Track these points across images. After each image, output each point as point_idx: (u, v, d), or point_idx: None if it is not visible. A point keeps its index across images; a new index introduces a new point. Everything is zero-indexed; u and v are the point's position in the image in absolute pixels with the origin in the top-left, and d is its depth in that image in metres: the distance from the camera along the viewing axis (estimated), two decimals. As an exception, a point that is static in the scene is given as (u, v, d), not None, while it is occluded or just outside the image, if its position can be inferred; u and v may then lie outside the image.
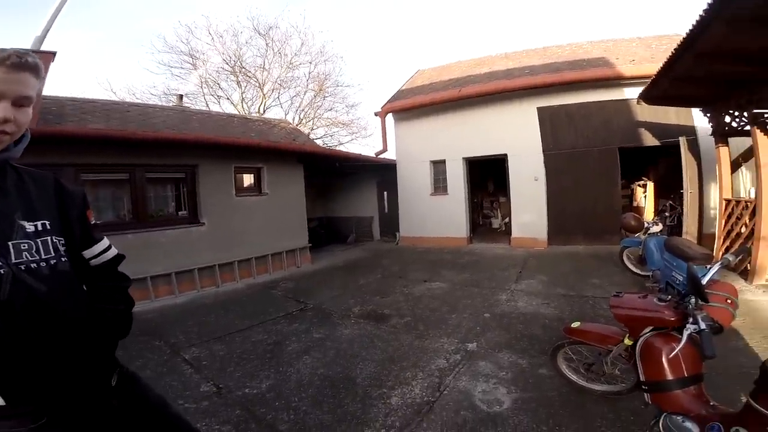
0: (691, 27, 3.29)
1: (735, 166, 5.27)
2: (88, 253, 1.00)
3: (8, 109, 0.80)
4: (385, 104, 9.87)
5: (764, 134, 4.27)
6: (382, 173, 10.26)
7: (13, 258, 0.78)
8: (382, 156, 10.10)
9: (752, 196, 4.78)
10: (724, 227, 5.04)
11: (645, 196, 9.09)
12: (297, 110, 17.64)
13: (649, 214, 8.36)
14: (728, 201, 5.01)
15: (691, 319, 1.43)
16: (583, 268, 5.75)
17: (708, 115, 5.31)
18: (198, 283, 5.78)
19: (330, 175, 10.80)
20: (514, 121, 8.11)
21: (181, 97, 11.13)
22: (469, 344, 3.22)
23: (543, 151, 7.85)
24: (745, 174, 5.50)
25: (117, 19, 23.28)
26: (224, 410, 2.40)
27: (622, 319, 1.79)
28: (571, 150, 7.66)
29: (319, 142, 15.22)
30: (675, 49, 3.79)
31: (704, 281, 1.62)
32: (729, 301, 1.68)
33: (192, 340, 3.67)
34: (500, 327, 3.59)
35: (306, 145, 8.37)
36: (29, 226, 0.84)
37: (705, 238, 6.06)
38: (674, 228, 6.68)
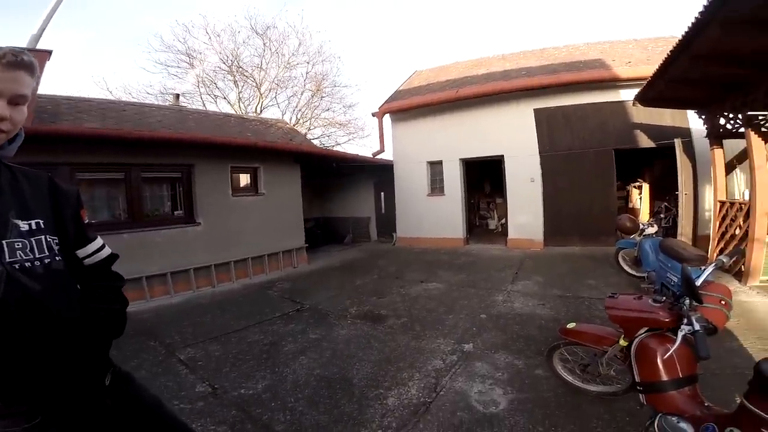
0: (686, 29, 3.32)
1: (729, 168, 5.32)
2: (81, 253, 1.00)
3: (3, 107, 0.80)
4: (383, 105, 9.87)
5: (758, 136, 4.32)
6: (379, 174, 10.25)
7: (7, 257, 0.78)
8: (379, 156, 10.11)
9: (746, 198, 4.83)
10: (718, 229, 5.08)
11: (640, 197, 9.13)
12: (294, 110, 17.66)
13: (644, 215, 8.41)
14: (723, 203, 5.05)
15: (685, 320, 1.44)
16: (578, 269, 5.77)
17: (703, 117, 5.36)
18: (194, 283, 5.76)
19: (327, 175, 10.77)
20: (510, 122, 8.13)
21: (177, 96, 11.06)
22: (466, 345, 3.22)
23: (539, 152, 7.88)
24: (739, 176, 5.56)
25: (114, 18, 23.18)
26: (220, 411, 2.38)
27: (618, 320, 1.81)
28: (567, 151, 7.69)
29: (316, 142, 15.19)
30: (671, 51, 3.82)
31: (698, 282, 1.63)
32: (723, 302, 1.69)
33: (187, 341, 3.65)
34: (496, 328, 3.60)
35: (303, 145, 8.37)
36: (23, 225, 0.83)
37: (700, 239, 6.12)
38: (669, 229, 6.71)
